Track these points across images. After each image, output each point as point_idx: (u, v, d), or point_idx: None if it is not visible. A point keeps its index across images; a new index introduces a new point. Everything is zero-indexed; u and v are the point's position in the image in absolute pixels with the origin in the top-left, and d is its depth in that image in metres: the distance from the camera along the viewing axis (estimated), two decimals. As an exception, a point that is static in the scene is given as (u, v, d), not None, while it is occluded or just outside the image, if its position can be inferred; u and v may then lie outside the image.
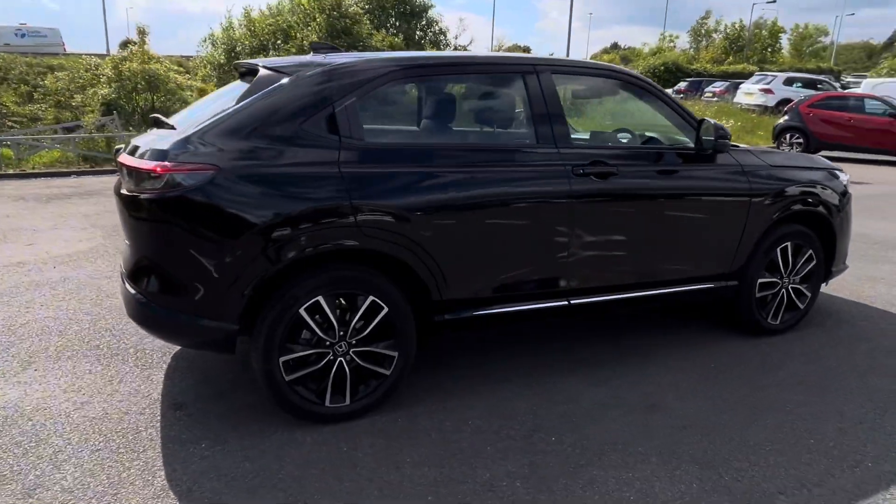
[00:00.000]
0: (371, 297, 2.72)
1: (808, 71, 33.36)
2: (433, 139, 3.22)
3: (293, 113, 2.64)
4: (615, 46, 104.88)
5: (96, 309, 4.19)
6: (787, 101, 21.18)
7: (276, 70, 2.75)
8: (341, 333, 2.71)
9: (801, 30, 44.67)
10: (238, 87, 3.01)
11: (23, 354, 3.45)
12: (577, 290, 3.19)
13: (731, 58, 40.47)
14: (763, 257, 3.70)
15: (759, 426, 2.81)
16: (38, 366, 3.31)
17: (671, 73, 32.48)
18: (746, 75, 32.93)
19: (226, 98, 2.91)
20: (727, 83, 26.01)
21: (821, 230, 3.91)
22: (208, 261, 2.51)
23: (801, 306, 3.95)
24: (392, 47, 17.92)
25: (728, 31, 42.71)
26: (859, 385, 3.24)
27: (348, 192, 2.61)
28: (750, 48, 42.04)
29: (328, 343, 2.71)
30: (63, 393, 3.02)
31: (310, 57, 3.04)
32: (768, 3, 39.10)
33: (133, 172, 2.57)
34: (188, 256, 2.51)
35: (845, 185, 4.05)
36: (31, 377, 3.17)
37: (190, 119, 2.80)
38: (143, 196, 2.52)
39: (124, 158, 2.67)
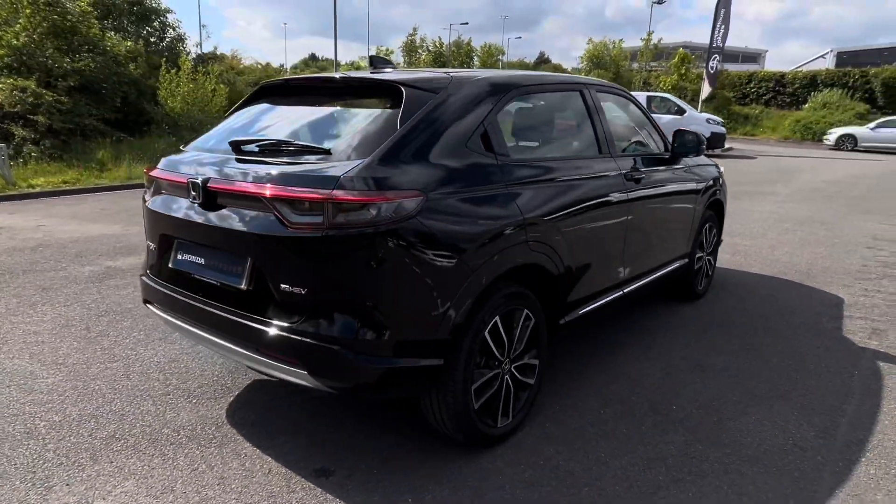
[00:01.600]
0: (525, 311, 2.76)
1: None
2: (551, 152, 3.33)
3: (460, 132, 2.54)
4: (313, 58, 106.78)
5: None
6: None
7: (419, 87, 2.57)
8: (507, 351, 2.71)
9: (489, 48, 51.98)
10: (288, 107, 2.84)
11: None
12: (627, 280, 3.65)
13: (438, 72, 44.97)
14: (698, 237, 4.65)
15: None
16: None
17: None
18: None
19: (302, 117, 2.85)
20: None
21: (717, 212, 5.05)
22: (418, 295, 2.28)
23: (711, 273, 5.05)
24: (133, 53, 15.74)
25: (431, 48, 47.39)
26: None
27: (519, 209, 2.63)
28: (450, 65, 47.32)
29: (498, 363, 2.68)
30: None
31: (427, 72, 2.89)
32: (462, 24, 44.66)
33: (310, 203, 2.17)
34: (396, 292, 2.24)
35: (722, 175, 5.27)
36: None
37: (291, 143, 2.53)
38: (343, 232, 2.15)
39: (284, 190, 2.22)
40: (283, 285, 2.26)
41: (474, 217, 2.45)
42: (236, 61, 24.89)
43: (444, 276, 2.33)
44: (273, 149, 2.50)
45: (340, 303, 2.22)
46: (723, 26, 20.48)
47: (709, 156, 5.19)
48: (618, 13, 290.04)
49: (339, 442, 2.77)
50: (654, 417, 3.02)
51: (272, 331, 2.30)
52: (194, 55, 18.48)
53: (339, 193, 2.13)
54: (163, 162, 2.87)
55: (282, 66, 56.23)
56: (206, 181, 2.44)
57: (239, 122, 2.99)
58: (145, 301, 3.01)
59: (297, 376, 2.31)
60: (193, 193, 2.48)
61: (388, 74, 2.84)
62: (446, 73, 2.81)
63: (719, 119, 20.33)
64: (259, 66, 25.12)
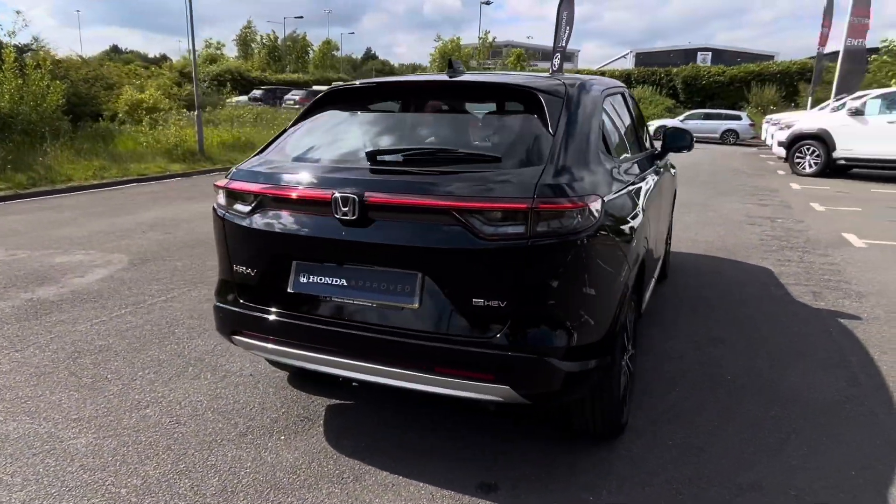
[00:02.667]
0: (632, 301, 2.91)
1: (327, 80, 38.46)
2: (625, 151, 3.37)
3: (595, 136, 2.60)
4: (116, 50, 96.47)
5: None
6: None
7: (548, 92, 2.56)
8: (630, 342, 2.84)
9: (327, 43, 50.80)
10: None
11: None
12: (661, 266, 3.96)
13: (274, 66, 43.13)
14: (671, 225, 5.15)
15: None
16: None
17: (236, 81, 32.62)
18: (302, 84, 35.92)
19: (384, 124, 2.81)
20: (305, 91, 28.02)
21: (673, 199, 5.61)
22: (602, 296, 2.32)
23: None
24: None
25: (265, 41, 45.29)
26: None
27: (640, 205, 2.78)
28: (286, 59, 45.60)
29: (625, 354, 2.79)
30: None
31: (530, 75, 2.86)
32: (296, 17, 43.14)
33: (506, 213, 2.10)
34: (588, 295, 2.25)
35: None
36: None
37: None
38: (547, 241, 2.11)
39: (478, 201, 2.11)
40: (475, 299, 2.16)
41: (626, 216, 2.54)
42: (46, 53, 21.59)
43: (616, 275, 2.40)
44: (427, 158, 2.35)
45: (543, 311, 2.18)
46: (567, 27, 22.19)
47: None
48: (435, 11, 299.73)
49: (484, 455, 2.69)
50: (722, 389, 3.34)
51: (457, 348, 2.18)
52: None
53: (542, 202, 2.09)
54: (258, 175, 2.55)
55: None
56: (361, 195, 2.23)
57: (327, 130, 2.75)
58: (232, 333, 2.65)
59: (486, 391, 2.22)
60: (345, 209, 2.25)
61: (505, 77, 2.80)
62: (550, 77, 2.85)
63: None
64: (79, 60, 22.09)
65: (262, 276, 2.52)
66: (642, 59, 65.22)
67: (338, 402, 3.16)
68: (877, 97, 12.37)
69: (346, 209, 2.25)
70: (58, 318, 4.32)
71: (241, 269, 2.57)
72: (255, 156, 2.75)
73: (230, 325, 2.64)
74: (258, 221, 2.49)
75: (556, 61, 22.75)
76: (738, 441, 2.82)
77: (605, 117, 2.88)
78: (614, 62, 71.29)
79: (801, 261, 6.12)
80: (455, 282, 2.19)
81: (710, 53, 60.94)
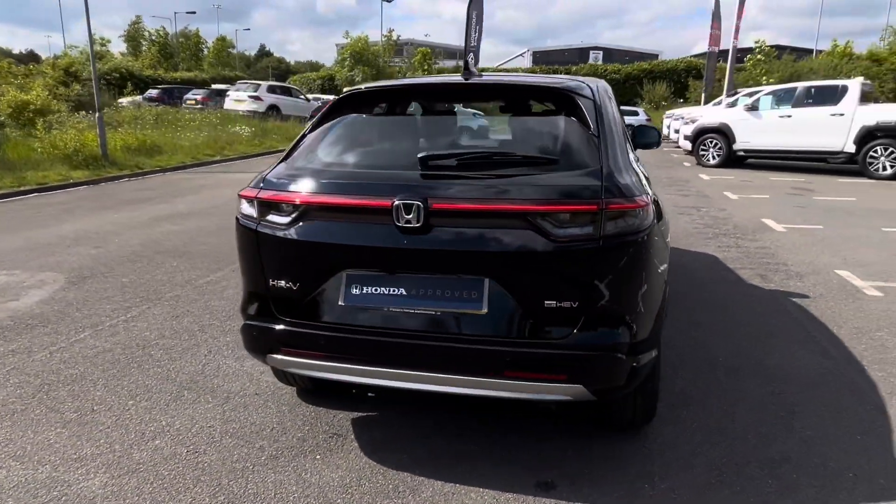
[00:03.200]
0: None
1: (224, 79, 36.92)
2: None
3: (624, 135, 2.66)
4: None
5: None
6: (274, 106, 23.68)
7: (580, 94, 2.59)
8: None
9: (222, 40, 48.28)
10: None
11: None
12: None
13: (165, 64, 40.58)
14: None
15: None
16: None
17: (126, 80, 30.27)
18: (199, 83, 34.04)
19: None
20: (206, 90, 26.57)
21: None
22: (655, 290, 2.39)
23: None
24: None
25: (154, 38, 42.41)
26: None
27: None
28: (178, 56, 43.01)
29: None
30: None
31: (559, 77, 2.86)
32: (188, 13, 40.82)
33: (575, 215, 2.13)
34: (648, 290, 2.32)
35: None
36: None
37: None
38: (616, 241, 2.15)
39: (547, 203, 2.11)
40: (547, 301, 2.17)
41: (661, 213, 2.63)
42: None
43: (662, 269, 2.49)
44: (484, 161, 2.32)
45: (611, 308, 2.23)
46: (478, 26, 22.55)
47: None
48: (329, 8, 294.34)
49: (528, 455, 2.70)
50: (720, 371, 3.55)
51: (529, 351, 2.18)
52: None
53: (610, 202, 2.13)
54: (298, 183, 2.41)
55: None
56: (425, 202, 2.16)
57: (358, 134, 2.64)
58: (269, 351, 2.49)
59: (558, 391, 2.24)
60: (408, 217, 2.18)
61: (534, 78, 2.80)
62: (564, 77, 2.89)
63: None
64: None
65: (306, 290, 2.39)
66: (539, 57, 67.57)
67: (360, 414, 3.06)
68: (769, 94, 13.58)
69: (410, 217, 2.18)
70: (6, 349, 3.86)
71: (281, 283, 2.42)
72: (280, 162, 2.59)
73: (267, 343, 2.48)
74: (302, 232, 2.36)
75: (472, 60, 23.19)
76: (753, 420, 3.01)
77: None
78: (512, 60, 73.40)
79: (738, 246, 6.61)
80: (525, 285, 2.19)
81: (601, 52, 64.21)
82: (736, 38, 16.54)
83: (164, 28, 44.31)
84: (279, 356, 2.47)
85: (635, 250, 2.21)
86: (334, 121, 2.75)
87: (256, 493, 2.45)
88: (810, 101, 12.93)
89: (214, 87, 29.61)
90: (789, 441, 2.83)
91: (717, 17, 20.27)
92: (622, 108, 21.35)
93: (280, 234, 2.40)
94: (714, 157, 14.10)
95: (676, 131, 17.55)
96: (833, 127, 12.37)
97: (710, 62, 20.51)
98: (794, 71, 30.97)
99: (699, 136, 14.29)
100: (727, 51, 20.97)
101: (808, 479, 2.54)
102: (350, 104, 2.79)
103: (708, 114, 15.19)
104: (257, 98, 23.08)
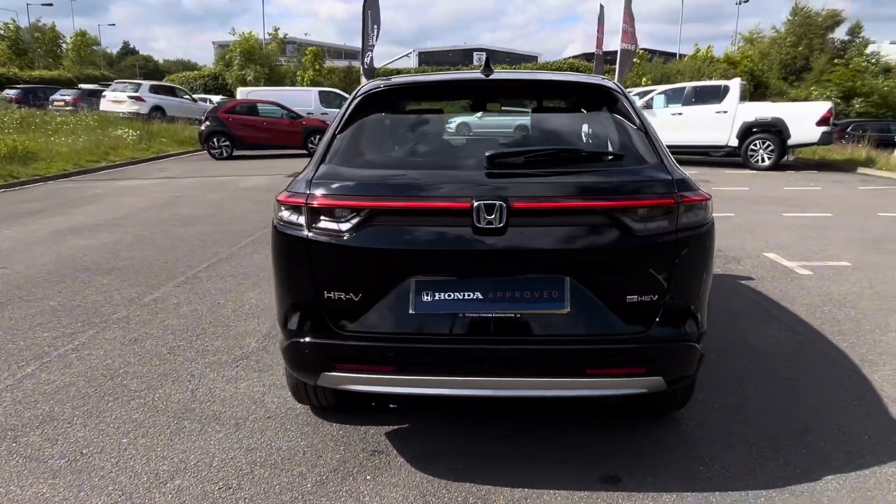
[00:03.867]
0: None
1: (90, 78, 33.97)
2: None
3: (655, 129, 2.71)
4: None
5: None
6: (158, 107, 22.07)
7: (616, 90, 2.62)
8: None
9: (83, 36, 43.86)
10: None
11: None
12: None
13: (18, 61, 36.37)
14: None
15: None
16: None
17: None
18: (65, 82, 30.91)
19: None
20: (76, 91, 24.15)
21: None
22: (711, 279, 2.45)
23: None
24: None
25: (3, 32, 37.78)
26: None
27: None
28: (33, 52, 38.71)
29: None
30: None
31: (586, 75, 2.84)
32: (44, 4, 36.78)
33: (651, 210, 2.15)
34: (708, 281, 2.38)
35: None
36: None
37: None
38: (689, 233, 2.21)
39: (629, 198, 2.12)
40: (629, 296, 2.17)
41: None
42: None
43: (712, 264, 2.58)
44: (551, 159, 2.27)
45: (685, 299, 2.27)
46: (375, 26, 22.27)
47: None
48: (196, 4, 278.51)
49: (581, 451, 2.69)
50: (714, 353, 3.75)
51: (612, 347, 2.18)
52: None
53: (683, 196, 2.18)
54: (353, 187, 2.24)
55: None
56: (507, 201, 2.08)
57: (402, 133, 2.50)
58: (324, 369, 2.28)
59: (637, 385, 2.25)
60: (490, 217, 2.09)
61: (569, 76, 2.78)
62: (589, 76, 2.91)
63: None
64: None
65: (369, 300, 2.22)
66: (424, 57, 68.15)
67: (391, 428, 2.90)
68: (661, 93, 14.61)
69: (492, 217, 2.09)
70: (-60, 392, 3.27)
71: (337, 294, 2.23)
72: (320, 165, 2.39)
73: (322, 361, 2.28)
74: (364, 238, 2.19)
75: (368, 60, 22.85)
76: (763, 395, 3.21)
77: None
78: (398, 60, 73.45)
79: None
80: (606, 281, 2.18)
81: (484, 53, 65.82)
82: (626, 41, 17.63)
83: (15, 21, 39.72)
84: (336, 374, 2.28)
85: (704, 242, 2.27)
86: (363, 119, 2.58)
87: (320, 524, 2.25)
88: (696, 99, 14.07)
89: (84, 87, 27.02)
90: (803, 412, 3.04)
91: (601, 20, 21.53)
92: (516, 108, 21.63)
93: (337, 241, 2.21)
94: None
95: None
96: (718, 123, 13.55)
97: (597, 64, 21.73)
98: (665, 73, 33.67)
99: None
100: (610, 52, 22.25)
101: (834, 445, 2.75)
102: (375, 102, 2.64)
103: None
104: (139, 99, 21.35)
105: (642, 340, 2.21)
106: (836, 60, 33.05)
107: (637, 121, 2.49)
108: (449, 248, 2.17)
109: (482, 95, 2.79)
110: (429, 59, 64.75)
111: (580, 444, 2.76)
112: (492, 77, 2.68)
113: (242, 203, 9.12)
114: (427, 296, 2.20)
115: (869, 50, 36.49)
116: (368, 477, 2.54)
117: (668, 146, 11.11)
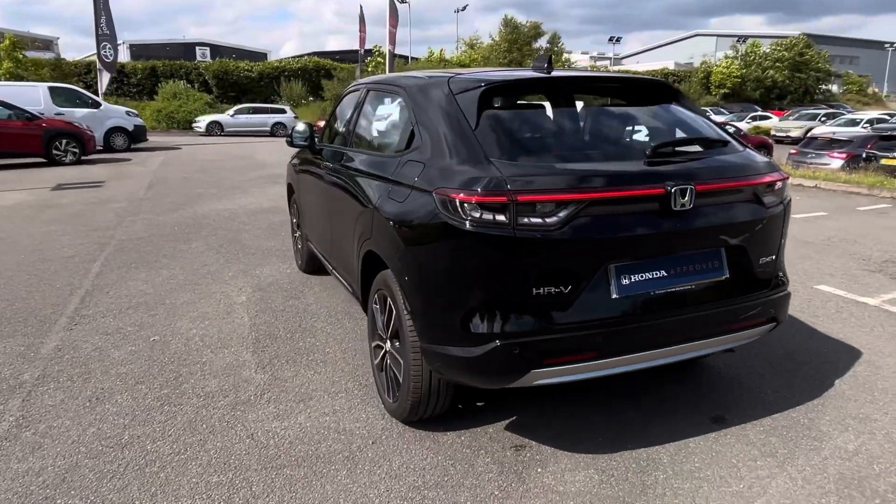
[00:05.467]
0: None
1: None
2: None
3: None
4: None
5: None
6: None
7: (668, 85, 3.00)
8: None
9: None
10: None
11: None
12: None
13: None
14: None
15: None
16: None
17: None
18: None
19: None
20: None
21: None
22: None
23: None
24: None
25: None
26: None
27: None
28: None
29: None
30: None
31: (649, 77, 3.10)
32: None
33: (771, 186, 2.63)
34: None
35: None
36: None
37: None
38: (785, 203, 2.72)
39: (766, 177, 2.58)
40: (762, 258, 2.61)
41: None
42: None
43: None
44: (690, 146, 2.57)
45: (782, 257, 2.80)
46: (104, 14, 19.29)
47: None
48: None
49: (682, 401, 3.06)
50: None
51: (753, 303, 2.60)
52: None
53: (780, 175, 2.70)
54: (550, 180, 2.25)
55: None
56: (693, 185, 2.33)
57: (541, 124, 2.57)
58: (532, 368, 2.25)
59: (761, 333, 2.71)
60: (683, 200, 2.32)
61: (635, 76, 3.03)
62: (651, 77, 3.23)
63: (135, 111, 19.44)
64: None
65: (575, 292, 2.27)
66: (137, 50, 60.70)
67: (507, 421, 2.91)
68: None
69: (685, 200, 2.32)
70: None
71: (546, 289, 2.23)
72: (479, 163, 2.33)
73: (532, 359, 2.25)
74: (569, 231, 2.23)
75: (108, 51, 19.77)
76: (762, 372, 3.91)
77: None
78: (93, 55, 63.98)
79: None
80: (748, 248, 2.58)
81: (207, 48, 61.38)
82: (392, 42, 18.37)
83: None
84: (548, 369, 2.27)
85: (789, 209, 2.82)
86: (487, 115, 2.56)
87: None
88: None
89: None
90: (821, 348, 3.80)
91: (362, 21, 22.09)
92: (267, 105, 21.41)
93: (545, 235, 2.21)
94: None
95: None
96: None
97: (361, 62, 22.22)
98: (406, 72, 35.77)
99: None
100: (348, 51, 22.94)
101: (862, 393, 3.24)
102: (488, 99, 2.64)
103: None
104: None
105: (771, 294, 2.69)
106: (543, 65, 38.92)
107: (699, 112, 2.95)
108: (643, 231, 2.34)
109: (570, 90, 2.96)
110: (143, 52, 57.80)
111: (677, 398, 3.12)
112: (581, 75, 2.89)
113: (33, 226, 7.37)
114: (625, 279, 2.34)
115: (563, 57, 43.93)
116: (539, 469, 2.56)
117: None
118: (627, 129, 2.95)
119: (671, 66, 49.93)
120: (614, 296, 2.36)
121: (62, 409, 3.05)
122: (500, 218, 2.21)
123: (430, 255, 2.42)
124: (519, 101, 3.01)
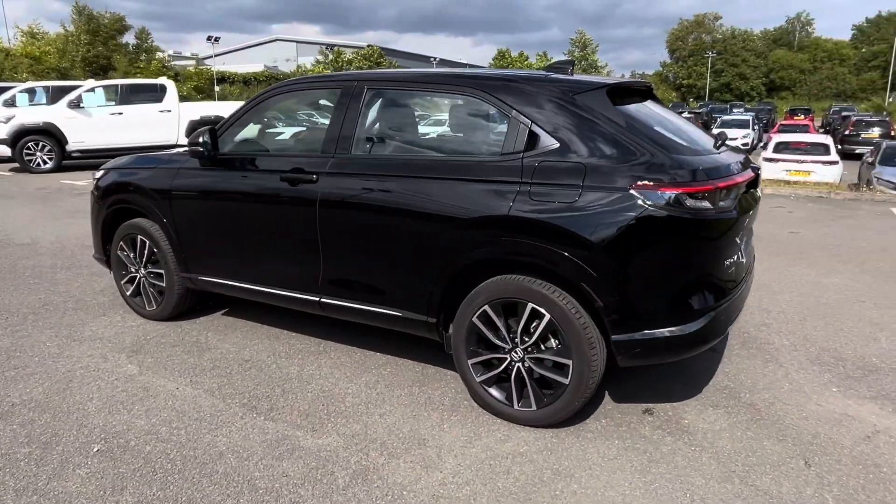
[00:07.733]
0: None
1: None
2: None
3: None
4: None
5: None
6: None
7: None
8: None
9: None
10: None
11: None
12: None
13: None
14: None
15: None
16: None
17: None
18: None
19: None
20: None
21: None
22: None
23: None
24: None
25: None
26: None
27: None
28: None
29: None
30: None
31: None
32: None
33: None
34: None
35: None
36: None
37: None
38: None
39: None
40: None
41: None
42: None
43: None
44: (725, 142, 3.17)
45: None
46: None
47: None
48: None
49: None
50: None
51: None
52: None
53: None
54: (717, 169, 2.64)
55: None
56: (756, 170, 3.03)
57: (647, 121, 2.85)
58: (727, 327, 2.71)
59: None
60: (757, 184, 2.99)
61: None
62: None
63: None
64: None
65: (736, 260, 2.77)
66: None
67: (605, 397, 3.17)
68: (90, 91, 12.91)
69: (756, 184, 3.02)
70: None
71: (730, 260, 2.69)
72: (658, 155, 2.57)
73: (729, 319, 2.77)
74: (735, 211, 2.67)
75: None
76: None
77: None
78: None
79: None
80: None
81: None
82: None
83: None
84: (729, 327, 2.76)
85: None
86: (619, 109, 2.77)
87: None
88: (134, 98, 13.26)
89: None
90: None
91: None
92: None
93: (729, 216, 2.63)
94: (45, 162, 12.42)
95: None
96: (164, 122, 13.35)
97: None
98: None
99: (19, 139, 12.14)
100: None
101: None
102: (612, 94, 2.84)
103: (24, 113, 12.74)
104: None
105: None
106: (138, 62, 35.30)
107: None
108: (742, 213, 2.81)
109: (635, 95, 3.20)
110: None
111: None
112: (635, 81, 3.27)
113: None
114: (738, 256, 2.87)
115: (158, 56, 40.24)
116: (686, 420, 2.93)
117: (110, 149, 11.55)
118: (682, 124, 3.33)
119: (261, 69, 50.08)
120: (741, 260, 2.92)
121: None
122: (705, 204, 2.52)
123: (636, 246, 2.52)
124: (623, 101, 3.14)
